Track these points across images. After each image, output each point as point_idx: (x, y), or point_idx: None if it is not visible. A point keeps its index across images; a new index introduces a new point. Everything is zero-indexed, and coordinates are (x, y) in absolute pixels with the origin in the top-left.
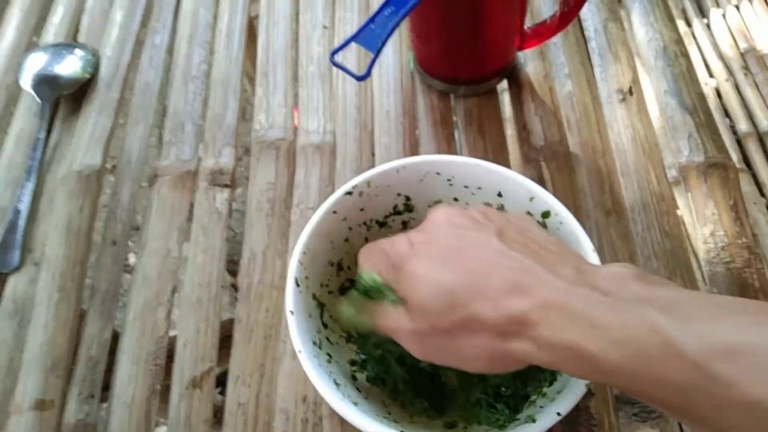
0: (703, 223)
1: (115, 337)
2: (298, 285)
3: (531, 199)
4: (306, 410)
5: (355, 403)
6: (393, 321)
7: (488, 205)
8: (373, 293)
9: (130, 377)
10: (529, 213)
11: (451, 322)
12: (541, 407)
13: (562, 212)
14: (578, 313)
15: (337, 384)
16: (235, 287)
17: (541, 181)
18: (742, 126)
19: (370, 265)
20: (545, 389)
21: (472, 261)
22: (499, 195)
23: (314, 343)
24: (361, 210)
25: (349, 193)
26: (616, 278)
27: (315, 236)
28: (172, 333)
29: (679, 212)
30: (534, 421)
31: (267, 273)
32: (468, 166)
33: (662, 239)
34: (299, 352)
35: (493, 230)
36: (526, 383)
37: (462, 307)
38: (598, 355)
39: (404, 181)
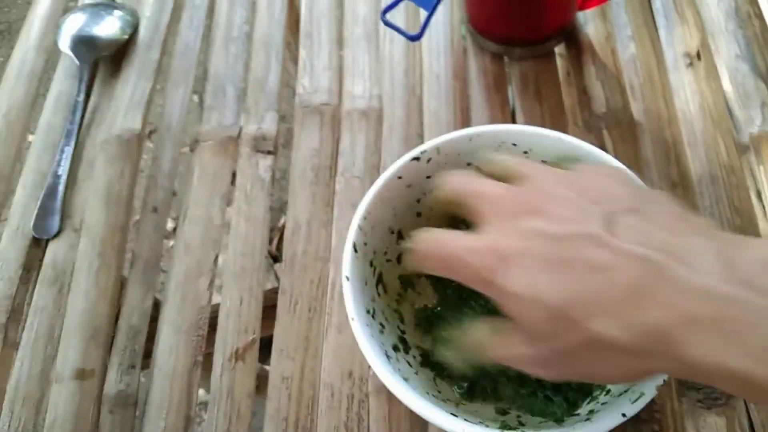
0: None
1: (156, 306)
2: (356, 251)
3: None
4: (352, 386)
5: (406, 378)
6: (508, 351)
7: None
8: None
9: (172, 348)
10: None
11: (571, 344)
12: (603, 404)
13: None
14: (734, 328)
15: (388, 357)
16: (271, 255)
17: (602, 149)
18: None
19: (450, 274)
20: (610, 386)
21: (581, 267)
22: None
23: (368, 311)
24: (428, 177)
25: (416, 158)
26: None
27: (377, 201)
28: (214, 302)
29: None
30: (592, 418)
31: (311, 244)
32: (547, 137)
33: (732, 215)
34: (352, 320)
35: (599, 219)
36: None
37: (580, 328)
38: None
39: (476, 150)
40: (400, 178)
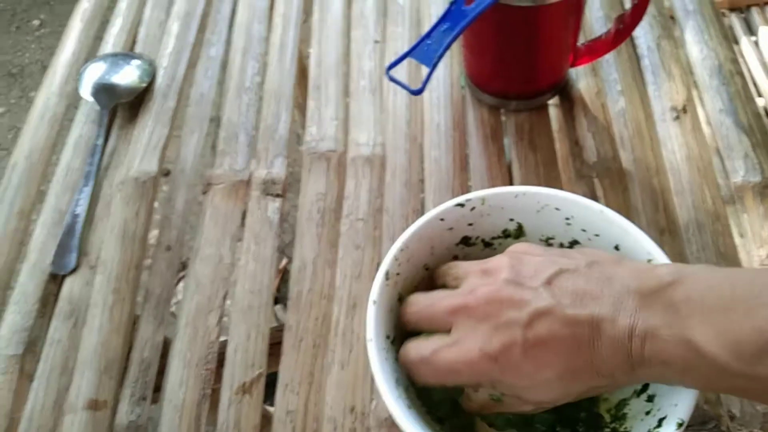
0: (759, 244)
1: (167, 341)
2: (387, 278)
3: (649, 260)
4: (354, 420)
5: (409, 407)
6: (461, 354)
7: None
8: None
9: (181, 381)
10: None
11: (574, 393)
12: None
13: None
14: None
15: (397, 383)
16: (277, 299)
17: (593, 198)
18: None
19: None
20: None
21: (559, 347)
22: (616, 248)
23: (387, 337)
24: (470, 225)
25: (460, 204)
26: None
27: (416, 237)
28: (222, 338)
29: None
30: None
31: (317, 282)
32: (590, 209)
33: (717, 260)
34: (370, 340)
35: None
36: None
37: (580, 383)
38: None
39: (520, 208)
40: (442, 220)
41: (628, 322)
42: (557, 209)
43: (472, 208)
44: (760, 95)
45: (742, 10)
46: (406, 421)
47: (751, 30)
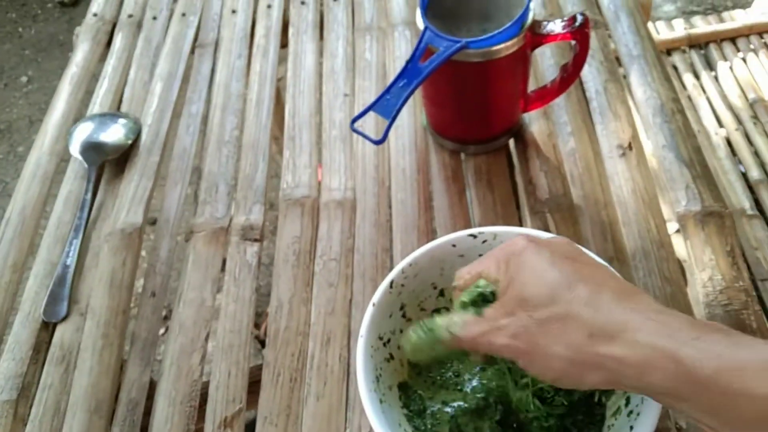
0: (701, 268)
1: (153, 382)
2: (391, 287)
3: None
4: None
5: (381, 401)
6: (481, 325)
7: None
8: (476, 301)
9: (167, 418)
10: None
11: (548, 314)
12: None
13: None
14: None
15: (377, 379)
16: (258, 339)
17: (546, 231)
18: (754, 173)
19: (479, 265)
20: None
21: (585, 269)
22: None
23: (380, 338)
24: (480, 255)
25: (473, 236)
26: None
27: (426, 256)
28: (205, 377)
29: (677, 258)
30: None
31: (293, 320)
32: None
33: (663, 284)
34: (361, 336)
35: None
36: None
37: (563, 303)
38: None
39: None
40: (454, 246)
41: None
42: None
43: (484, 241)
44: (721, 126)
45: (701, 46)
46: (372, 410)
47: (710, 65)
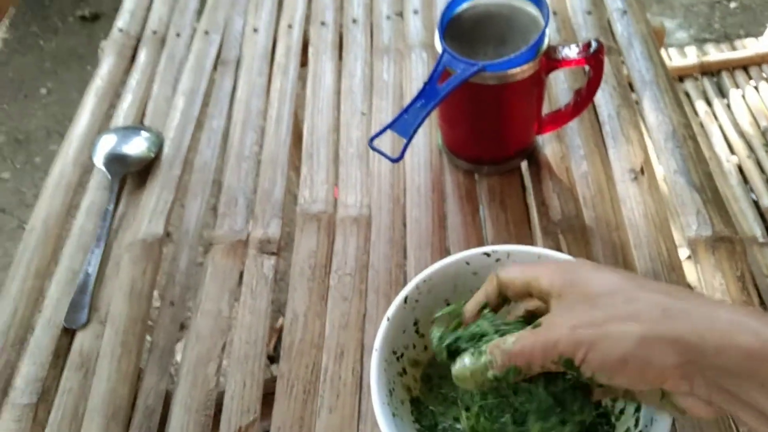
0: (711, 293)
1: (169, 390)
2: (405, 302)
3: None
4: None
5: (394, 414)
6: (537, 334)
7: None
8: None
9: (183, 426)
10: None
11: (616, 299)
12: None
13: None
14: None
15: (390, 392)
16: (268, 356)
17: (559, 251)
18: (766, 201)
19: (530, 271)
20: None
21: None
22: None
23: (393, 352)
24: None
25: (487, 254)
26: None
27: (440, 272)
28: (221, 387)
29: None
30: None
31: (308, 332)
32: None
33: None
34: (375, 350)
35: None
36: None
37: (631, 289)
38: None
39: None
40: (468, 263)
41: None
42: None
43: (498, 260)
44: (733, 153)
45: (713, 74)
46: (385, 423)
47: (722, 92)
